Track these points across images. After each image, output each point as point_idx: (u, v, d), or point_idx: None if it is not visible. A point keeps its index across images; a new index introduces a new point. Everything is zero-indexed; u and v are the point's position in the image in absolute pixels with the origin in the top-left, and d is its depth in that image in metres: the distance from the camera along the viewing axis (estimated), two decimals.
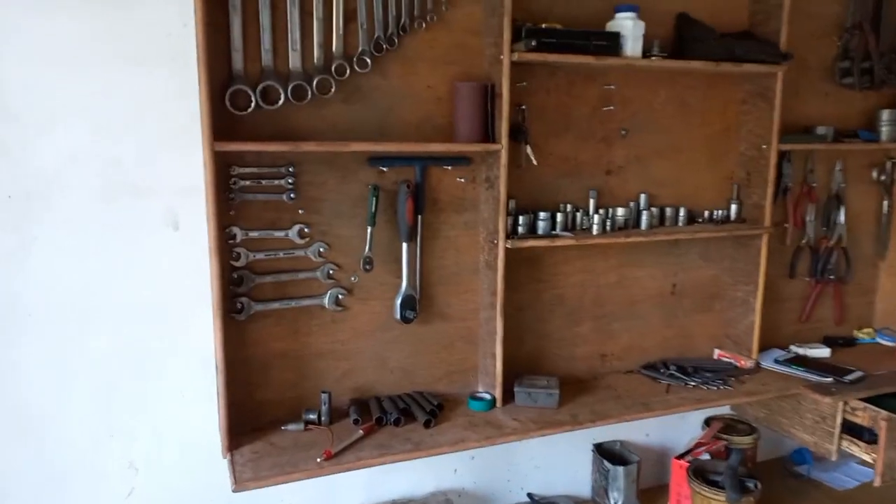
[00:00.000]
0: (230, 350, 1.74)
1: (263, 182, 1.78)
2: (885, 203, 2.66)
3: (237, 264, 1.78)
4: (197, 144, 1.65)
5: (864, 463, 2.21)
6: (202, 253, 1.71)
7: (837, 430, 2.18)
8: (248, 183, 1.77)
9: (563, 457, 2.37)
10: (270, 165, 1.79)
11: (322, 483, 1.99)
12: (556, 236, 2.03)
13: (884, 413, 2.07)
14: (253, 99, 1.70)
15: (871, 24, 2.45)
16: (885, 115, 2.51)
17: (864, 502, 2.39)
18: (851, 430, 2.18)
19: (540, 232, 2.05)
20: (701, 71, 2.16)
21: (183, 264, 1.78)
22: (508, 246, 1.94)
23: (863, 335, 2.71)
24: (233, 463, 1.66)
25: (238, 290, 1.79)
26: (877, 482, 2.08)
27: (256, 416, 1.87)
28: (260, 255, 1.81)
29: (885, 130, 2.51)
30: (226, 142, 1.61)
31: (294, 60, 1.75)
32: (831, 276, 2.62)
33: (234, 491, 1.57)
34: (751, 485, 2.08)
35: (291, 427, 1.84)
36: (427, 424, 1.87)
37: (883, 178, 2.64)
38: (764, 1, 2.22)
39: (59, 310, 1.70)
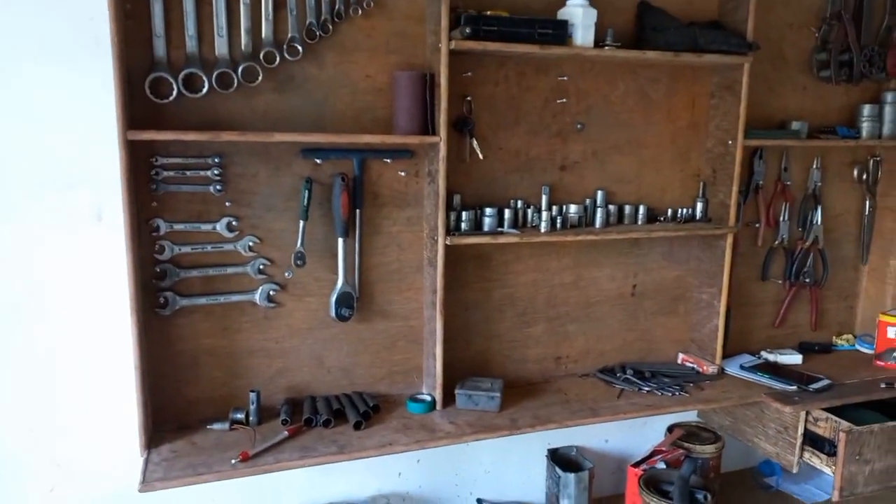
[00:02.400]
0: (150, 346, 1.70)
1: (188, 173, 1.73)
2: (868, 203, 2.53)
3: (161, 257, 1.73)
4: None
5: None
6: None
7: (799, 441, 2.08)
8: (171, 174, 1.71)
9: (516, 462, 2.30)
10: (196, 156, 1.73)
11: (256, 483, 1.94)
12: (501, 233, 1.96)
13: (844, 424, 1.97)
14: (175, 87, 1.64)
15: (853, 14, 2.33)
16: (867, 110, 2.39)
17: None
18: (815, 441, 2.08)
19: (486, 229, 1.97)
20: (660, 62, 2.06)
21: (108, 257, 1.74)
22: (448, 243, 1.86)
23: (842, 342, 2.59)
24: (146, 462, 1.61)
25: (161, 284, 1.74)
26: (834, 497, 1.98)
27: (184, 413, 1.82)
28: (186, 249, 1.76)
29: (865, 127, 2.39)
30: (139, 130, 1.55)
31: (220, 47, 1.69)
32: (807, 280, 2.50)
33: (139, 491, 1.52)
34: (700, 497, 1.99)
35: (217, 426, 1.79)
36: (357, 426, 1.81)
37: (865, 177, 2.51)
38: None
39: None
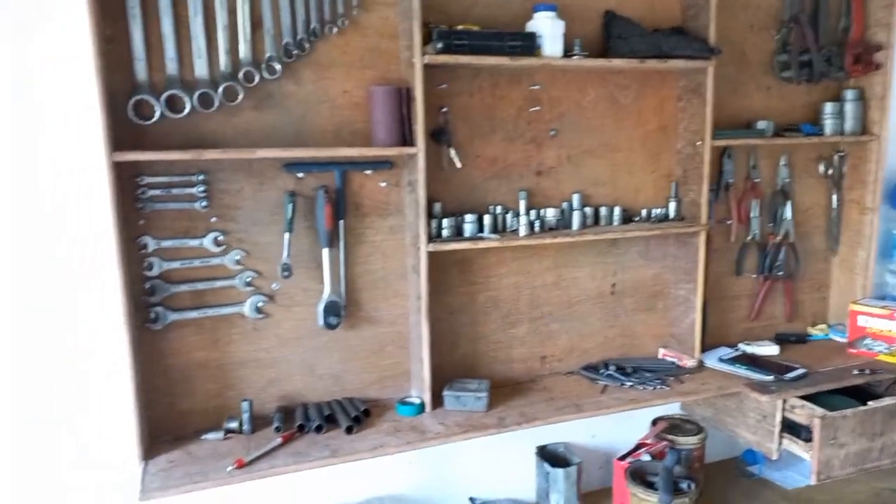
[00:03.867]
0: (143, 359, 1.74)
1: (174, 191, 1.78)
2: (835, 197, 2.63)
3: (149, 274, 1.78)
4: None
5: None
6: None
7: (777, 429, 2.15)
8: (158, 192, 1.76)
9: (506, 461, 2.35)
10: (181, 174, 1.78)
11: (251, 491, 1.98)
12: (482, 238, 2.02)
13: (818, 410, 2.04)
14: (158, 108, 1.70)
15: (809, 16, 2.43)
16: (828, 108, 2.48)
17: (814, 500, 2.35)
18: (792, 428, 2.15)
19: (466, 235, 2.04)
20: (627, 69, 2.14)
21: (99, 274, 1.78)
22: (430, 249, 1.92)
23: (817, 331, 2.67)
24: (144, 472, 1.66)
25: (151, 299, 1.79)
26: (812, 480, 2.05)
27: (178, 425, 1.86)
28: (175, 264, 1.81)
29: (828, 124, 2.48)
30: (125, 152, 1.61)
31: (200, 68, 1.75)
32: (780, 273, 2.58)
33: (140, 500, 1.56)
34: (685, 486, 2.06)
35: (211, 436, 1.83)
36: (349, 431, 1.86)
37: (830, 171, 2.60)
38: None
39: None
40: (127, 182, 1.72)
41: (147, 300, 1.78)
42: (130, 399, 1.69)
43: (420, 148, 1.87)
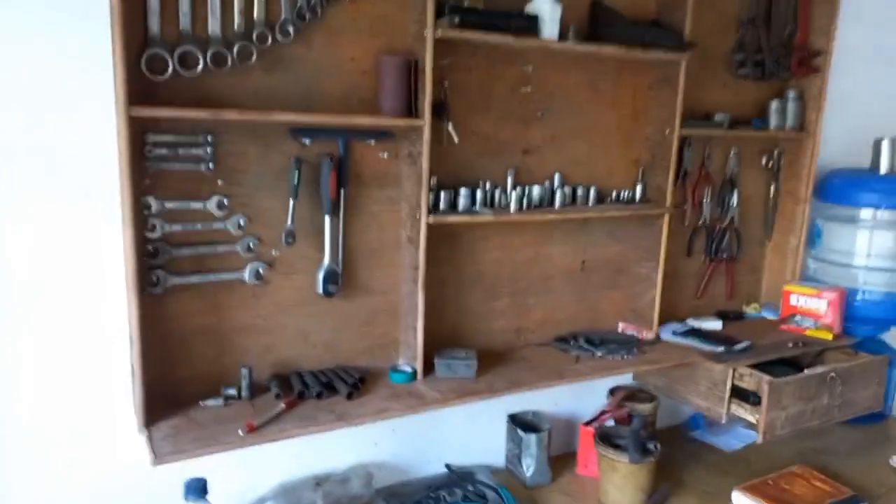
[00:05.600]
0: (146, 324, 1.69)
1: (180, 151, 1.72)
2: (773, 188, 2.90)
3: (152, 235, 1.72)
4: (109, 110, 1.58)
5: (748, 425, 2.42)
6: (116, 224, 1.64)
7: (727, 395, 2.38)
8: (164, 151, 1.70)
9: (480, 429, 2.45)
10: (189, 133, 1.73)
11: (235, 460, 1.95)
12: (477, 213, 2.09)
13: (766, 377, 2.27)
14: (171, 64, 1.64)
15: (764, 20, 2.65)
16: (774, 105, 2.73)
17: (749, 460, 2.61)
18: (739, 394, 2.38)
19: (460, 208, 2.10)
20: (612, 56, 2.26)
21: (95, 236, 1.71)
22: (430, 221, 1.97)
23: (751, 310, 2.95)
24: (151, 438, 1.62)
25: (154, 262, 1.73)
26: (760, 440, 2.29)
27: (175, 392, 1.82)
28: (177, 227, 1.76)
29: (773, 120, 2.73)
30: (143, 106, 1.55)
31: (213, 26, 1.70)
32: (724, 255, 2.83)
33: (154, 464, 1.53)
34: (651, 446, 2.24)
35: (211, 403, 1.80)
36: (349, 397, 1.89)
37: (770, 164, 2.87)
38: None
39: None
40: (133, 140, 1.65)
41: (149, 262, 1.72)
42: (133, 365, 1.63)
43: (426, 120, 1.90)
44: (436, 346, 2.17)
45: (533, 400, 2.50)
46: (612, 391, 2.65)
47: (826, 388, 2.41)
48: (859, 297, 2.81)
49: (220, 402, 1.81)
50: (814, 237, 2.98)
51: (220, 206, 1.80)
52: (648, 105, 2.49)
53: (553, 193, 2.29)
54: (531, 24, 2.00)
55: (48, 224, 1.67)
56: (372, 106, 1.95)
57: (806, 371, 2.41)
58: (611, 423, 2.44)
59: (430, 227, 1.99)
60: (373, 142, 1.98)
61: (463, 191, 2.09)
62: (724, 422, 2.44)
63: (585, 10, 2.27)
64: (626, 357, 2.35)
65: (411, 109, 1.93)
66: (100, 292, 1.73)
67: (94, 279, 1.72)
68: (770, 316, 2.90)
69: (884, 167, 2.84)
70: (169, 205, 1.73)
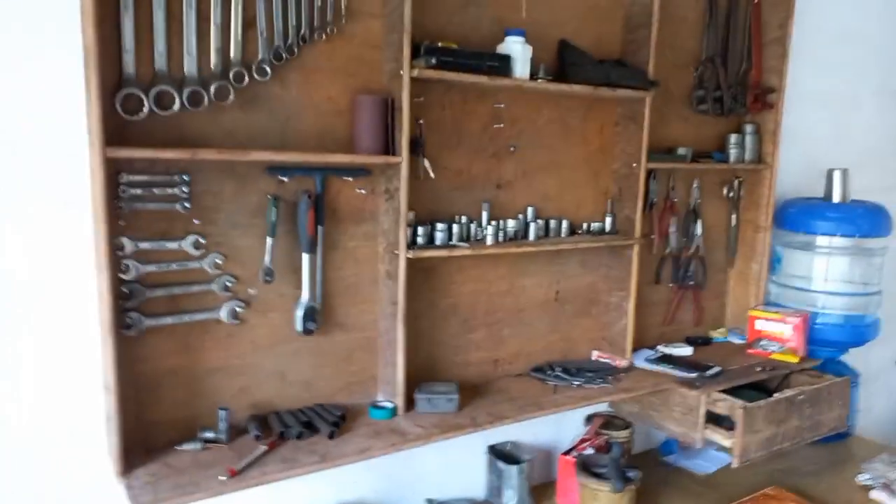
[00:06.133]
0: (121, 368, 1.64)
1: (155, 191, 1.70)
2: (733, 217, 3.00)
3: (127, 277, 1.68)
4: (81, 150, 1.55)
5: (721, 449, 2.47)
6: (88, 266, 1.61)
7: (701, 420, 2.42)
8: (138, 192, 1.68)
9: (458, 461, 2.43)
10: (163, 173, 1.71)
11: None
12: (454, 247, 2.11)
13: (739, 402, 2.33)
14: (146, 103, 1.62)
15: (721, 58, 2.77)
16: (733, 139, 2.84)
17: (723, 483, 2.65)
18: (713, 419, 2.43)
19: (438, 242, 2.11)
20: (581, 94, 2.33)
21: (69, 279, 1.66)
22: (410, 256, 1.98)
23: (717, 335, 3.02)
24: (129, 487, 1.56)
25: (127, 304, 1.69)
26: (735, 464, 2.33)
27: (147, 437, 1.76)
28: (151, 268, 1.72)
29: (732, 153, 2.84)
30: (118, 147, 1.53)
31: (189, 65, 1.69)
32: (690, 282, 2.90)
33: None
34: (632, 475, 2.26)
35: (188, 447, 1.76)
36: (331, 436, 1.86)
37: (731, 194, 2.97)
38: (635, 33, 2.44)
39: None
40: (107, 180, 1.62)
41: (123, 304, 1.68)
42: (109, 412, 1.59)
43: (404, 157, 1.93)
44: (413, 379, 2.16)
45: (510, 431, 2.49)
46: (589, 418, 2.67)
47: (795, 411, 2.47)
48: (819, 320, 2.91)
49: (197, 445, 1.76)
50: (774, 263, 3.08)
51: (197, 245, 1.77)
52: (615, 140, 2.56)
53: (527, 226, 2.33)
54: (503, 65, 2.05)
55: (23, 267, 1.61)
56: (347, 143, 1.96)
57: (776, 395, 2.47)
58: (590, 451, 2.45)
59: (409, 261, 1.99)
60: (350, 179, 1.99)
61: (440, 225, 2.11)
62: (698, 447, 2.47)
63: (554, 50, 2.33)
64: (602, 385, 2.38)
65: (388, 147, 1.95)
66: (71, 334, 1.68)
67: (65, 320, 1.67)
68: (736, 340, 2.97)
69: (836, 196, 2.97)
70: (143, 245, 1.70)
